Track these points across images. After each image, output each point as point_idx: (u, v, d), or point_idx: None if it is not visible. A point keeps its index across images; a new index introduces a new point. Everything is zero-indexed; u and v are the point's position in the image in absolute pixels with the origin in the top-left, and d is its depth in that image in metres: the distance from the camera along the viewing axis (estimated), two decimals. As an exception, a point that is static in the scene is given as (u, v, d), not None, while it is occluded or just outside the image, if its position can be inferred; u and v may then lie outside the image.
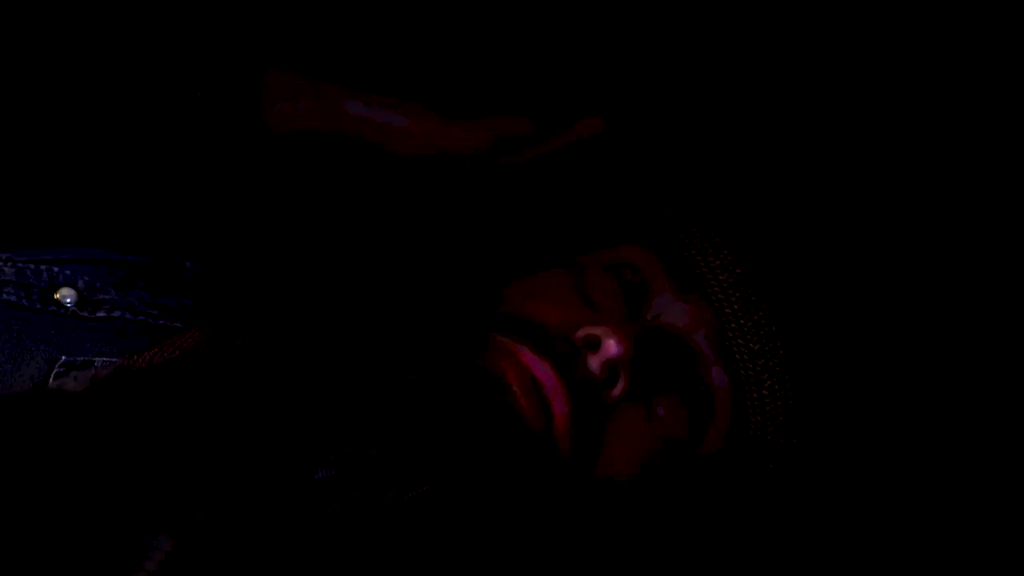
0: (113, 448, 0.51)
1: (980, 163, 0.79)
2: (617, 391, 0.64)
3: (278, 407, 0.57)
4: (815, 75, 0.78)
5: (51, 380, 0.61)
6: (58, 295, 0.64)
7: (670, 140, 0.77)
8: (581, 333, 0.64)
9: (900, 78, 0.78)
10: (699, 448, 0.68)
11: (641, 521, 0.68)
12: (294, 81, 0.71)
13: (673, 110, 0.77)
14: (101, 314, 0.65)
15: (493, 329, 0.65)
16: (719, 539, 0.72)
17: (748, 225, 0.71)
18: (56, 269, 0.65)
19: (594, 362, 0.63)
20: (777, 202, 0.74)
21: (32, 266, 0.65)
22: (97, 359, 0.62)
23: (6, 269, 0.64)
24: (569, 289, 0.67)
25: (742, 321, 0.66)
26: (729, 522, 0.72)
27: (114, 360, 0.62)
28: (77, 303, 0.65)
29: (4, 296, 0.63)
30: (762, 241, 0.70)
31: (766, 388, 0.66)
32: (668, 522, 0.70)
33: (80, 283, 0.65)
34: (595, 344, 0.64)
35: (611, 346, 0.63)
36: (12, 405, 0.52)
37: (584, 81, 0.75)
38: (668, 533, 0.70)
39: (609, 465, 0.65)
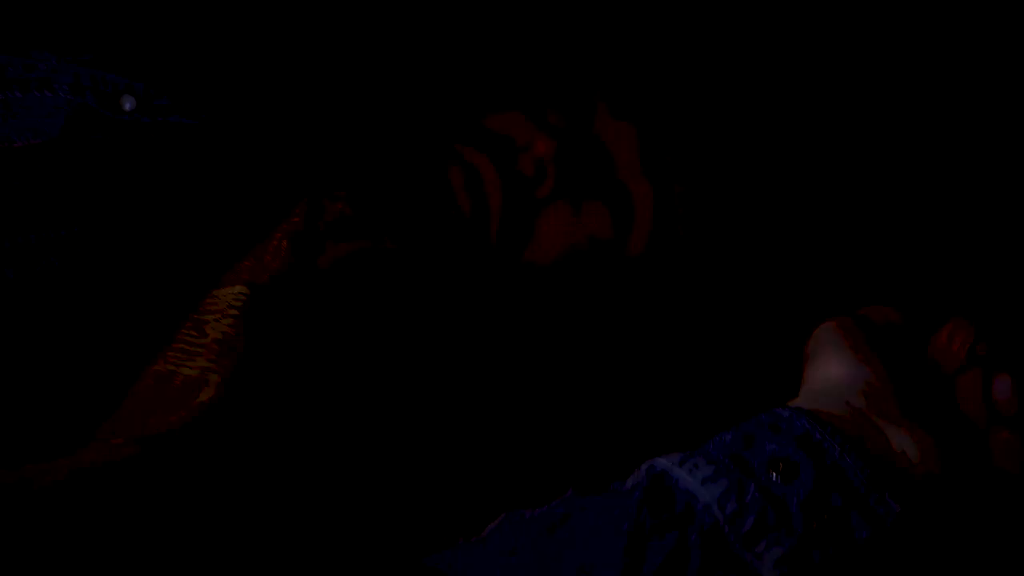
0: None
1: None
2: (545, 189, 0.75)
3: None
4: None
5: None
6: (121, 101, 0.72)
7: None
8: (521, 139, 0.76)
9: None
10: (626, 249, 0.78)
11: (570, 311, 0.80)
12: None
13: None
14: (160, 119, 0.73)
15: (457, 141, 0.76)
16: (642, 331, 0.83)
17: (670, 63, 0.83)
18: (114, 77, 0.73)
19: (526, 160, 0.75)
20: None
21: (99, 74, 0.72)
22: None
23: (83, 79, 0.72)
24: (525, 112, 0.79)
25: (663, 141, 0.78)
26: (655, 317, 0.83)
27: None
28: (137, 108, 0.73)
29: (88, 100, 0.72)
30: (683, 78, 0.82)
31: (678, 195, 0.78)
32: (595, 314, 0.81)
33: (138, 89, 0.73)
34: (530, 146, 0.75)
35: (539, 145, 0.75)
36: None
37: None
38: (594, 324, 0.81)
39: (537, 252, 0.76)
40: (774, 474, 0.51)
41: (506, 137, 0.76)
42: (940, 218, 0.89)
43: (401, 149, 0.77)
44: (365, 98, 0.84)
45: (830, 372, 0.57)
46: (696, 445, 0.54)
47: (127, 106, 0.74)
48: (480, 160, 0.75)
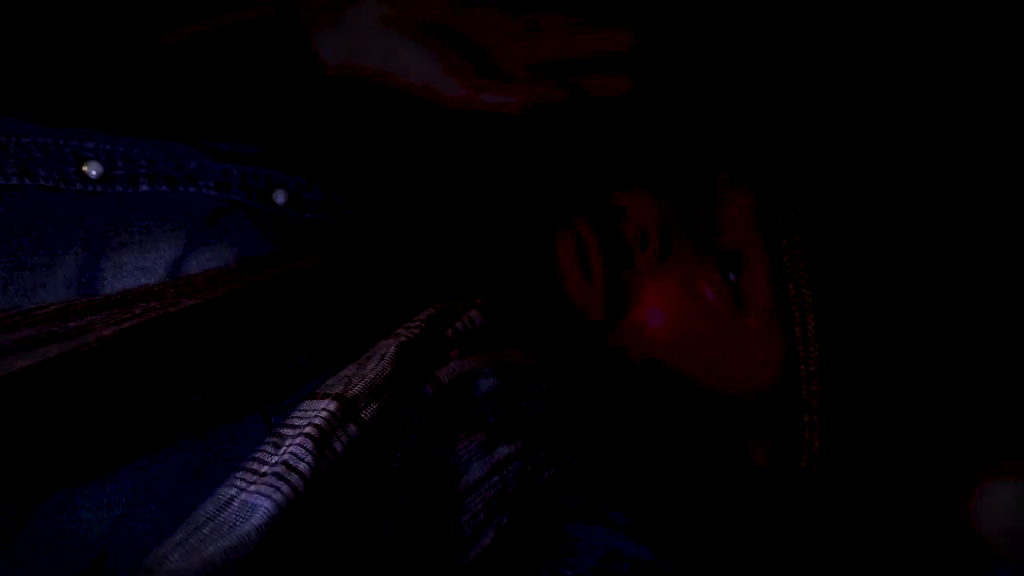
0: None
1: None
2: (648, 254, 0.69)
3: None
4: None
5: None
6: (273, 195, 0.73)
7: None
8: (628, 206, 0.71)
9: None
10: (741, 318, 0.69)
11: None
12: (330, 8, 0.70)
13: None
14: (308, 216, 0.74)
15: (571, 213, 0.72)
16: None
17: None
18: (271, 172, 0.73)
19: (629, 225, 0.70)
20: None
21: (251, 169, 0.73)
22: None
23: (233, 172, 0.72)
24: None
25: (782, 206, 0.69)
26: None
27: None
28: (287, 203, 0.73)
29: (233, 196, 0.72)
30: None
31: (794, 255, 0.68)
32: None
33: (291, 184, 0.73)
34: (631, 211, 0.70)
35: (639, 209, 0.70)
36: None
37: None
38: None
39: (640, 326, 0.69)
40: None
41: (614, 205, 0.72)
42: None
43: (519, 225, 0.74)
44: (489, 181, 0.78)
45: None
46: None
47: (279, 200, 0.73)
48: (583, 226, 0.71)
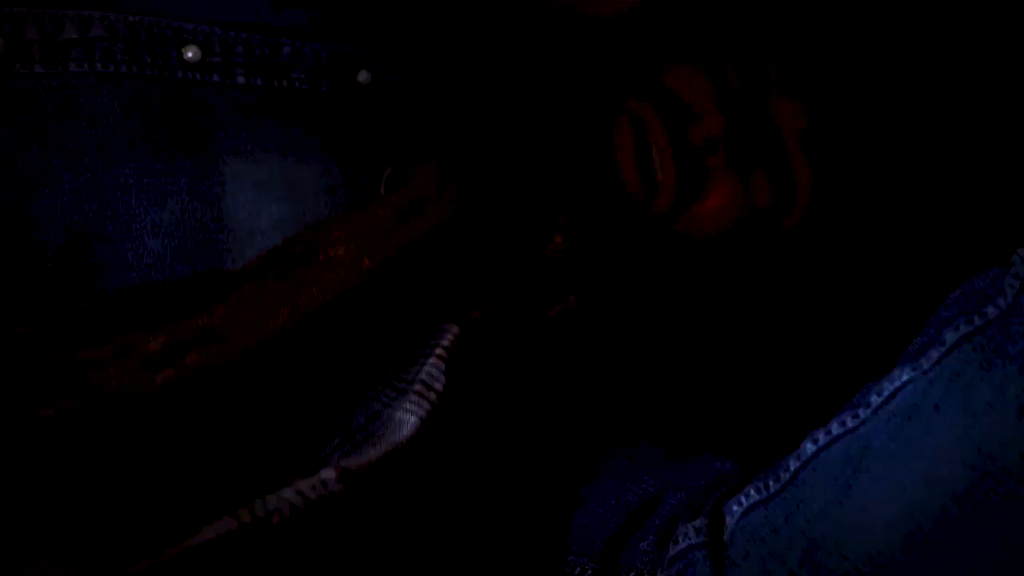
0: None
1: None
2: (715, 161, 0.78)
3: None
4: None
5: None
6: (357, 76, 0.76)
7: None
8: (696, 107, 0.78)
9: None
10: (781, 224, 0.80)
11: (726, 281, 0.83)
12: None
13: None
14: (393, 101, 0.77)
15: (632, 95, 0.79)
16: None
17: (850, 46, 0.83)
18: (355, 51, 0.76)
19: (697, 132, 0.77)
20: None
21: (335, 48, 0.75)
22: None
23: (323, 55, 0.75)
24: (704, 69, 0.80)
25: (829, 125, 0.79)
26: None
27: None
28: (372, 84, 0.76)
29: (323, 87, 0.75)
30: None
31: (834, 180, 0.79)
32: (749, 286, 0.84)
33: (373, 65, 0.76)
34: (702, 120, 0.78)
35: (710, 122, 0.77)
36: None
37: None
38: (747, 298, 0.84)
39: (701, 218, 0.79)
40: None
41: (682, 102, 0.78)
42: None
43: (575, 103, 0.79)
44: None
45: None
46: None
47: (363, 79, 0.76)
48: (652, 120, 0.77)
